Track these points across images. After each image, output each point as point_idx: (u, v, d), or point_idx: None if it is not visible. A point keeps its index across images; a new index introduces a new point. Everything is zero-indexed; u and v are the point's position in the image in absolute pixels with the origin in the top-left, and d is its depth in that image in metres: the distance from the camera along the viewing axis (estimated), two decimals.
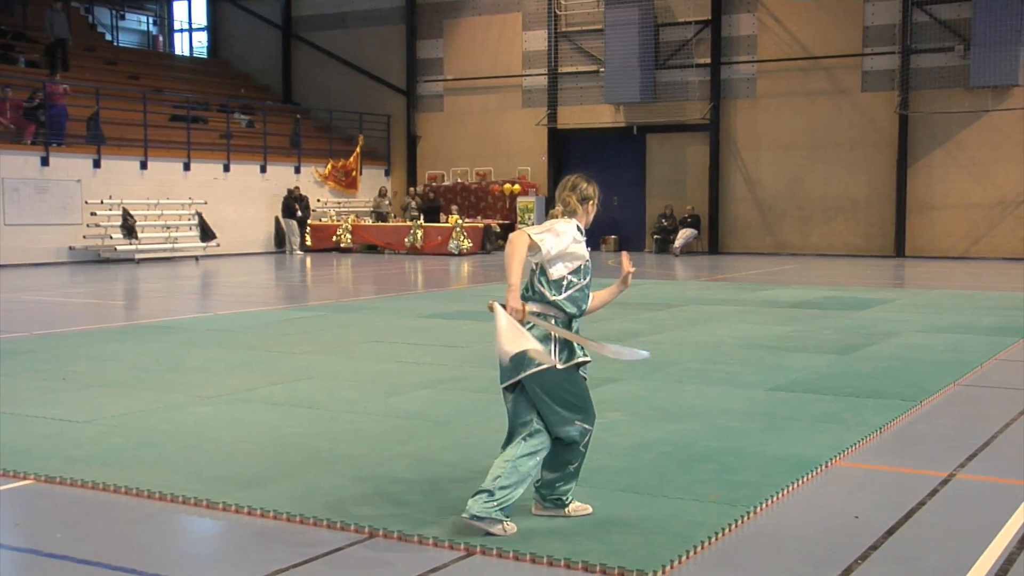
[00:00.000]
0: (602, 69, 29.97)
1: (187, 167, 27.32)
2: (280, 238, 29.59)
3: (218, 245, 27.02)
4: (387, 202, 31.23)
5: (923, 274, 22.15)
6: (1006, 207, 26.09)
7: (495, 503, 4.77)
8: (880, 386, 8.64)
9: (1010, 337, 11.64)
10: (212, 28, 37.61)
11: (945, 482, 5.86)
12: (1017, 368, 9.91)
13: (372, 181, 32.52)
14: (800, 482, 5.81)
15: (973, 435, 6.99)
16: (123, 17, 39.21)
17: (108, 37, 37.13)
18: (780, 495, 5.55)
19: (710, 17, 28.84)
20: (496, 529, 4.78)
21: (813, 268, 23.63)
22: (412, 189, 31.89)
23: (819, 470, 6.06)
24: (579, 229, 5.21)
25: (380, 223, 29.89)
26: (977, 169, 26.30)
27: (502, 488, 4.79)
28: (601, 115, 30.56)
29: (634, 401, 8.04)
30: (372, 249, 29.64)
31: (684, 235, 28.48)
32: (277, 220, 29.53)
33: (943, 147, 26.62)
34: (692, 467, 6.06)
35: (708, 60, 28.96)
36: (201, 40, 39.13)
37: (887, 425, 7.21)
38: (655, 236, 29.27)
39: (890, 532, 4.99)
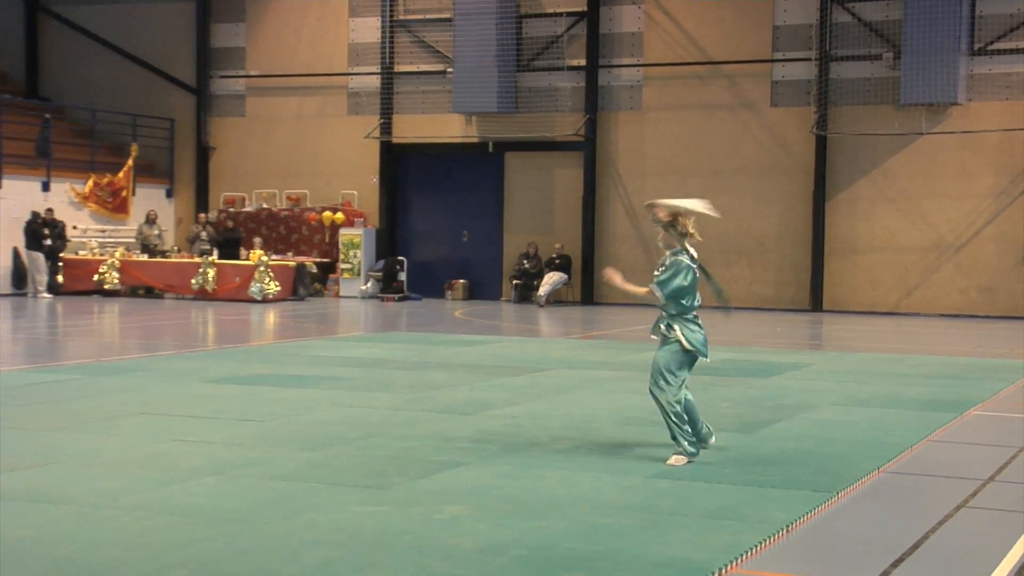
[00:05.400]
0: (450, 69, 30.22)
1: None
2: (20, 276, 28.76)
3: None
4: (157, 232, 30.64)
5: (843, 333, 22.84)
6: (943, 252, 27.19)
7: None
8: (788, 473, 8.86)
9: (946, 412, 12.08)
10: None
11: None
12: (954, 451, 10.29)
13: (149, 204, 31.93)
14: None
15: (900, 535, 7.21)
16: None
17: None
18: None
19: (586, 8, 29.44)
20: None
21: (709, 324, 24.10)
22: (202, 216, 31.46)
23: None
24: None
25: (160, 259, 29.35)
26: (909, 205, 27.36)
27: None
28: (448, 127, 30.78)
29: (481, 491, 8.05)
30: (148, 292, 29.06)
31: (551, 280, 28.81)
32: (16, 252, 28.71)
33: (868, 176, 27.62)
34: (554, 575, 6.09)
35: (583, 62, 29.50)
36: None
37: (795, 522, 7.38)
38: (515, 281, 29.51)
39: None
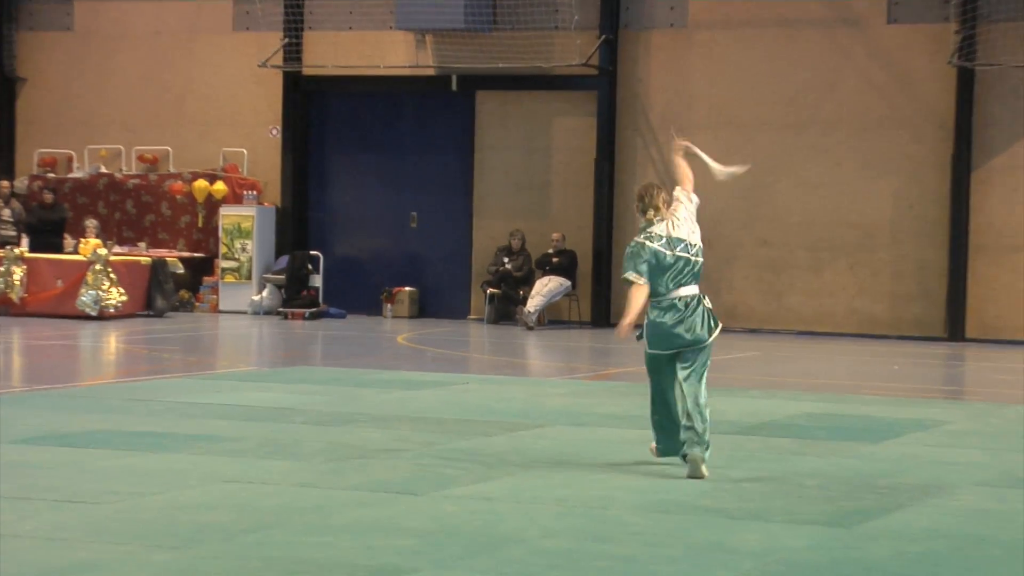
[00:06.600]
0: None
1: None
2: None
3: None
4: None
5: (998, 374, 22.84)
6: None
7: None
8: None
9: None
10: None
11: None
12: None
13: None
14: None
15: None
16: None
17: None
18: None
19: None
20: None
21: (790, 357, 24.12)
22: (5, 184, 31.41)
23: None
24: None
25: None
26: None
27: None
28: (390, 52, 30.75)
29: None
30: None
31: (545, 289, 28.80)
32: None
33: None
34: None
35: None
36: None
37: None
38: (490, 291, 29.48)
39: None
